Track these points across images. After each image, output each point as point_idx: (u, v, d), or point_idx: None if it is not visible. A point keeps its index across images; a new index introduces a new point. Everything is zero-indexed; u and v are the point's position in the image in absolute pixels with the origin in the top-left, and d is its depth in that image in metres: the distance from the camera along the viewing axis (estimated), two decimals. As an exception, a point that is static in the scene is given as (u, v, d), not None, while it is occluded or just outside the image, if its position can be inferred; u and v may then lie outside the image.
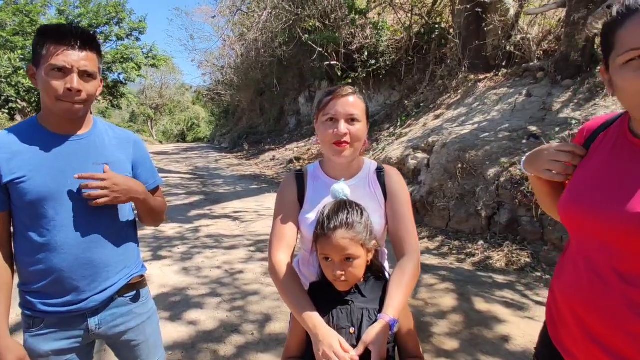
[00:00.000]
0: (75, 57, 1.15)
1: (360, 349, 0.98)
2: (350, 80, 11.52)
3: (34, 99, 14.59)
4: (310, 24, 11.91)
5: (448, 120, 6.77)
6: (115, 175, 1.23)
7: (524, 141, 5.15)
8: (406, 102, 9.41)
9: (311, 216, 1.21)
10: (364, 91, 12.49)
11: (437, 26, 9.57)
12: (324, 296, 1.12)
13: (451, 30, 9.09)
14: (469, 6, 7.40)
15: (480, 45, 7.71)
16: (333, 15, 11.60)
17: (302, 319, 1.07)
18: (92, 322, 1.27)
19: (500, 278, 3.63)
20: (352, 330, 1.06)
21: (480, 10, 7.38)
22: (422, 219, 5.50)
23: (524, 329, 2.70)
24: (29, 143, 1.19)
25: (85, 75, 1.17)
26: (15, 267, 1.25)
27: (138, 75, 18.46)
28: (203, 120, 37.85)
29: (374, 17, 10.92)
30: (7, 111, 12.79)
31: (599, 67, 5.63)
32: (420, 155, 6.15)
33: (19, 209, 1.19)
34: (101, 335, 1.32)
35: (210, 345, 2.58)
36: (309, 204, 1.24)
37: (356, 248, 1.05)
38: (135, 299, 1.36)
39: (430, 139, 6.16)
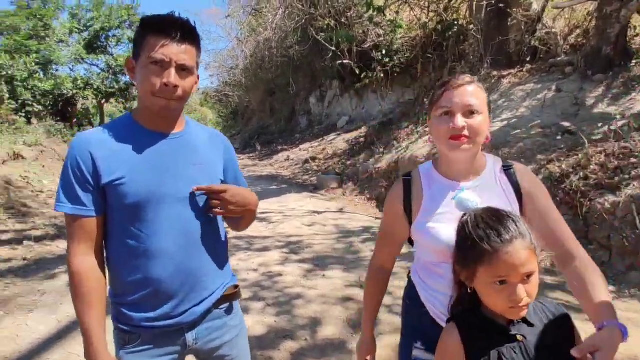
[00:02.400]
0: (174, 50, 1.05)
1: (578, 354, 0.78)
2: (367, 81, 11.44)
3: (49, 102, 14.69)
4: (324, 22, 11.84)
5: (474, 118, 6.65)
6: (232, 187, 1.17)
7: (559, 137, 5.03)
8: (425, 99, 9.28)
9: (435, 225, 1.08)
10: (379, 90, 12.40)
11: (455, 22, 9.44)
12: (480, 329, 0.89)
13: (470, 27, 8.97)
14: (493, 1, 7.27)
15: (502, 41, 7.58)
16: (348, 14, 11.51)
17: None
18: (190, 336, 1.20)
19: (548, 279, 3.53)
20: None
21: (502, 5, 7.25)
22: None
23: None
24: (126, 141, 1.10)
25: (183, 70, 1.08)
26: (107, 277, 1.16)
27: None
28: (210, 121, 37.90)
29: (390, 14, 10.80)
30: (24, 115, 12.86)
31: (634, 62, 5.53)
32: (448, 153, 6.05)
33: (116, 212, 1.10)
34: (197, 351, 1.24)
35: (265, 352, 2.52)
36: (426, 213, 1.11)
37: (534, 260, 0.85)
38: (229, 310, 1.28)
39: (457, 137, 6.05)
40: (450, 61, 9.28)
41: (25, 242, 4.73)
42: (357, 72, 11.23)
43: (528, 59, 7.25)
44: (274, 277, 3.69)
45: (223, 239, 1.29)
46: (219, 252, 1.25)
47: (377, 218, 6.13)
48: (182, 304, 1.16)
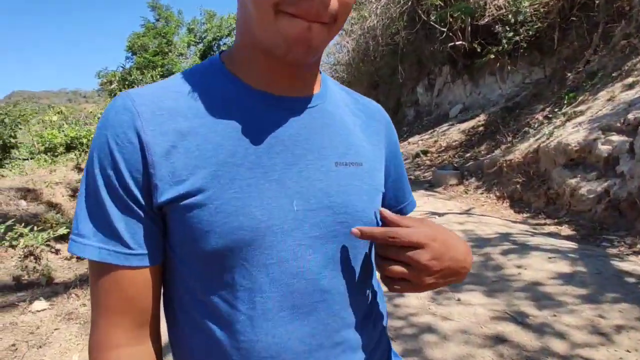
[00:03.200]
0: None
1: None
2: (486, 60, 9.95)
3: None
4: (434, 1, 10.64)
5: (652, 89, 4.98)
6: (435, 232, 0.56)
7: None
8: (569, 74, 7.54)
9: None
10: (499, 71, 10.76)
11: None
12: None
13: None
14: None
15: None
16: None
17: None
18: None
19: None
20: None
21: None
22: (632, 224, 3.99)
23: None
24: (213, 112, 0.53)
25: None
26: None
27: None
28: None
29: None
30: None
31: None
32: (616, 138, 4.57)
33: (187, 262, 0.53)
34: None
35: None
36: None
37: None
38: None
39: (630, 116, 4.54)
40: (602, 23, 7.38)
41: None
42: (478, 50, 9.78)
43: None
44: (395, 299, 2.95)
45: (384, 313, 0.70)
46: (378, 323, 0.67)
47: (513, 221, 4.95)
48: None
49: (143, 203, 0.50)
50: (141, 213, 0.50)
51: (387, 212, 0.58)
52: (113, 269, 0.50)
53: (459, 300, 2.84)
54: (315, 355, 0.54)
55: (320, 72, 0.62)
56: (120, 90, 14.43)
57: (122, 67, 15.38)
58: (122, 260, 0.50)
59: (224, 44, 19.53)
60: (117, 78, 14.78)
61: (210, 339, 0.53)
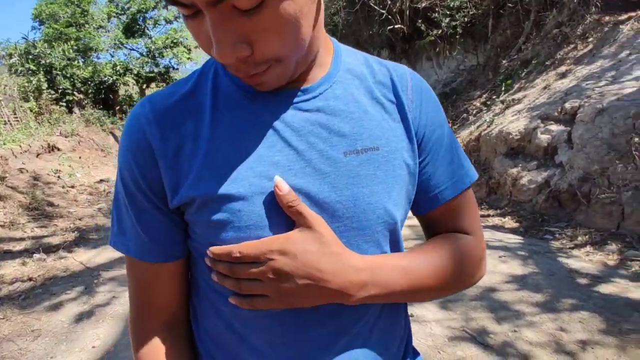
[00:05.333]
0: None
1: None
2: (422, 45, 9.88)
3: (90, 90, 14.40)
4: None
5: (585, 79, 5.06)
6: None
7: None
8: (504, 61, 7.63)
9: None
10: (435, 56, 10.82)
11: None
12: None
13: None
14: None
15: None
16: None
17: None
18: None
19: None
20: None
21: None
22: (571, 215, 4.00)
23: None
24: (217, 113, 0.53)
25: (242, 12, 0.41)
26: None
27: (188, 59, 17.86)
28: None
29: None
30: (64, 104, 12.59)
31: None
32: (555, 127, 4.57)
33: (201, 261, 0.55)
34: None
35: None
36: None
37: None
38: None
39: (567, 105, 4.55)
40: (534, 11, 7.52)
41: (36, 255, 3.96)
42: (414, 35, 9.67)
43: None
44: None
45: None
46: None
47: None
48: None
49: (161, 205, 0.52)
50: (160, 214, 0.53)
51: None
52: (138, 263, 0.55)
53: (412, 316, 2.54)
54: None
55: (334, 44, 0.58)
56: (23, 66, 12.51)
57: (24, 38, 13.26)
58: (146, 256, 0.54)
59: (150, 17, 17.77)
60: (19, 51, 12.74)
61: (219, 324, 0.55)
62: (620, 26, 5.50)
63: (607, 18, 5.78)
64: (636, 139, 3.60)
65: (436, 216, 0.60)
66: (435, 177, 0.58)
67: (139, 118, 0.52)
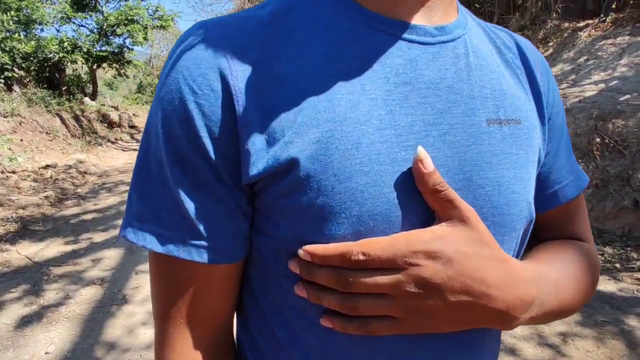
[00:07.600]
0: None
1: None
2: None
3: (33, 67, 13.18)
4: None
5: (547, 80, 5.28)
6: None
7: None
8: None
9: None
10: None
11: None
12: None
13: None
14: None
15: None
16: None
17: None
18: None
19: None
20: None
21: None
22: (535, 212, 4.16)
23: None
24: (321, 50, 0.36)
25: None
26: None
27: (144, 38, 16.85)
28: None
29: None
30: (2, 81, 11.43)
31: None
32: (520, 126, 4.74)
33: (277, 261, 0.38)
34: None
35: None
36: None
37: None
38: None
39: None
40: (497, 14, 7.76)
41: (-28, 248, 3.53)
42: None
43: (613, 6, 5.76)
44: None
45: None
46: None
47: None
48: None
49: (226, 177, 0.36)
50: (223, 191, 0.36)
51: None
52: (179, 264, 0.37)
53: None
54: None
55: None
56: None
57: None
58: (193, 254, 0.36)
59: (102, -10, 16.54)
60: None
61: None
62: (579, 32, 5.78)
63: (566, 24, 6.07)
64: (597, 139, 3.79)
65: (551, 217, 0.48)
66: (555, 170, 0.47)
67: (205, 44, 0.35)
